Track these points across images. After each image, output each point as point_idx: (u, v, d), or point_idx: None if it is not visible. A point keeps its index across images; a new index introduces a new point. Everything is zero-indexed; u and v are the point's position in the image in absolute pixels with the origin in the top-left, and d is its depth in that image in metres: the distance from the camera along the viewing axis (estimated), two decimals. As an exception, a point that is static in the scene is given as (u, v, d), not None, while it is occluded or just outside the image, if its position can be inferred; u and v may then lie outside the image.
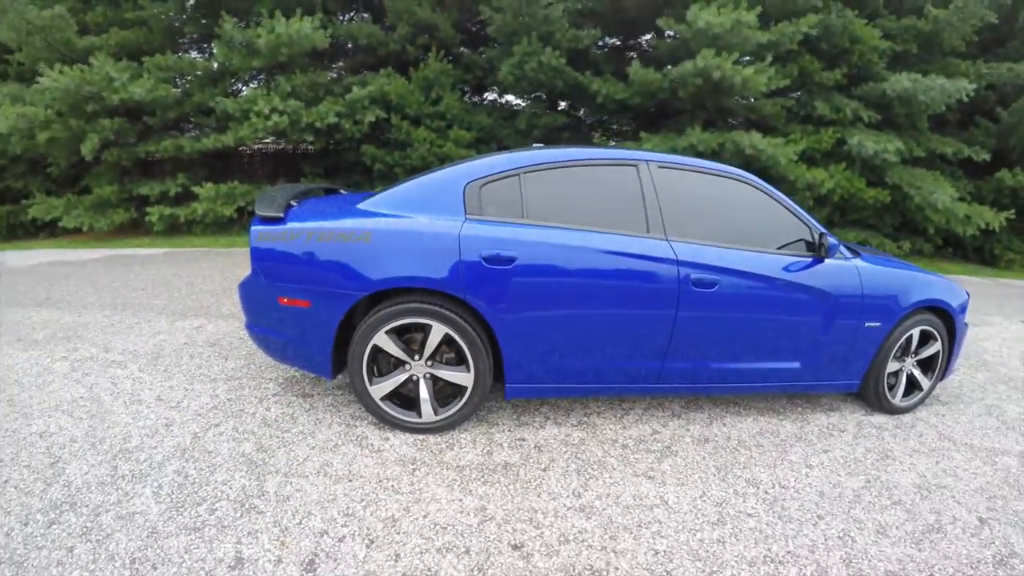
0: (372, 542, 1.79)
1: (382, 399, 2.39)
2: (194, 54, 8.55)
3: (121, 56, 7.12)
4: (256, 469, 2.16)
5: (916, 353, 3.06)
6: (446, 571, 1.67)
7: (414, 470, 2.18)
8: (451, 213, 2.29)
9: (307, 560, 1.70)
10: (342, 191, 3.28)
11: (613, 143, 7.24)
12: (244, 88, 8.37)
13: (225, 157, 8.11)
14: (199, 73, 7.34)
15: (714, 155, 7.16)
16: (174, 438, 2.38)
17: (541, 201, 2.34)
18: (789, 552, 1.92)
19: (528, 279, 2.24)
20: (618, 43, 8.81)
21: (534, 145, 2.93)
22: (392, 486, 2.08)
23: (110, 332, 3.73)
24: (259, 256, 2.37)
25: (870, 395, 3.04)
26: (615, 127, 8.88)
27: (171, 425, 2.49)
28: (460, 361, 2.35)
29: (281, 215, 2.38)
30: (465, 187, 2.33)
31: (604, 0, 7.11)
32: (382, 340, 2.29)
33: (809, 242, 2.69)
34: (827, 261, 2.69)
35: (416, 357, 2.34)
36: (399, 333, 2.33)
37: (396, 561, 1.71)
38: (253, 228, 2.40)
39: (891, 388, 3.07)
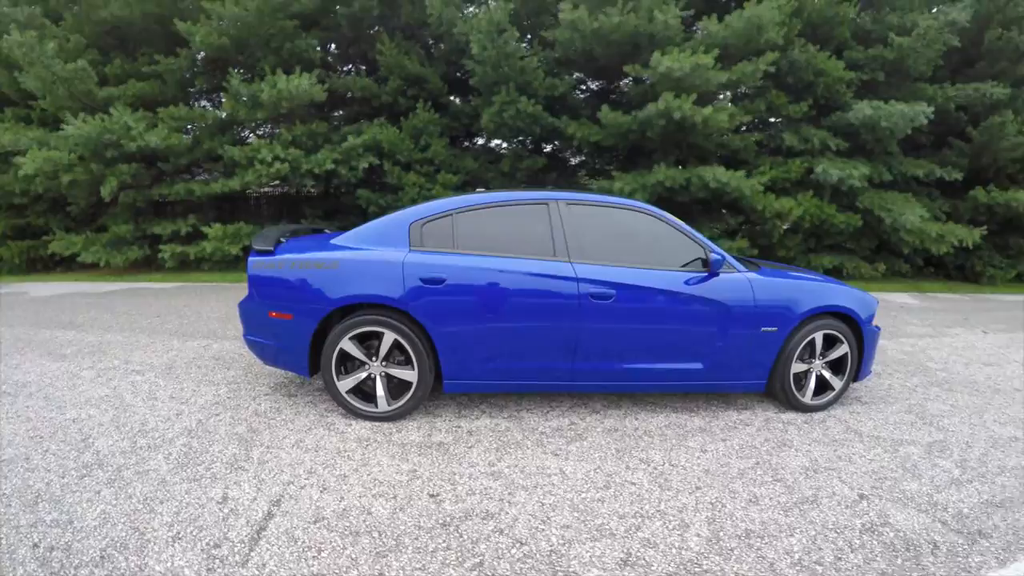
0: (325, 489, 2.45)
1: (347, 392, 3.08)
2: (205, 103, 9.67)
3: (137, 106, 8.11)
4: (245, 443, 2.86)
5: (824, 355, 3.46)
6: (376, 509, 2.31)
7: (367, 445, 2.85)
8: (399, 246, 3.03)
9: (275, 499, 2.37)
10: (326, 231, 4.08)
11: (594, 181, 8.03)
12: (251, 136, 9.40)
13: (233, 200, 9.05)
14: (208, 123, 8.35)
15: (683, 189, 7.93)
16: (183, 423, 3.09)
17: (469, 235, 3.06)
18: (658, 511, 2.38)
19: (455, 296, 2.94)
20: (597, 88, 9.76)
21: (478, 189, 3.72)
22: (347, 455, 2.74)
23: (129, 349, 4.50)
24: (254, 280, 3.13)
25: (779, 394, 3.44)
26: (596, 166, 9.74)
27: (180, 414, 3.20)
28: (408, 362, 3.04)
29: (271, 248, 3.16)
30: (410, 226, 3.07)
31: (578, 50, 8.04)
32: (347, 345, 3.00)
33: (704, 259, 3.20)
34: (722, 275, 3.21)
35: (374, 359, 3.04)
36: (361, 340, 3.03)
37: (340, 501, 2.36)
38: (250, 259, 3.17)
39: (801, 387, 3.47)
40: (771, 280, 3.36)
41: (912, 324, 6.44)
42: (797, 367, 3.42)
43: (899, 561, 2.16)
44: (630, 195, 7.67)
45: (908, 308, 7.57)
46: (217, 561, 1.96)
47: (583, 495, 2.49)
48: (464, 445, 2.91)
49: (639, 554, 2.11)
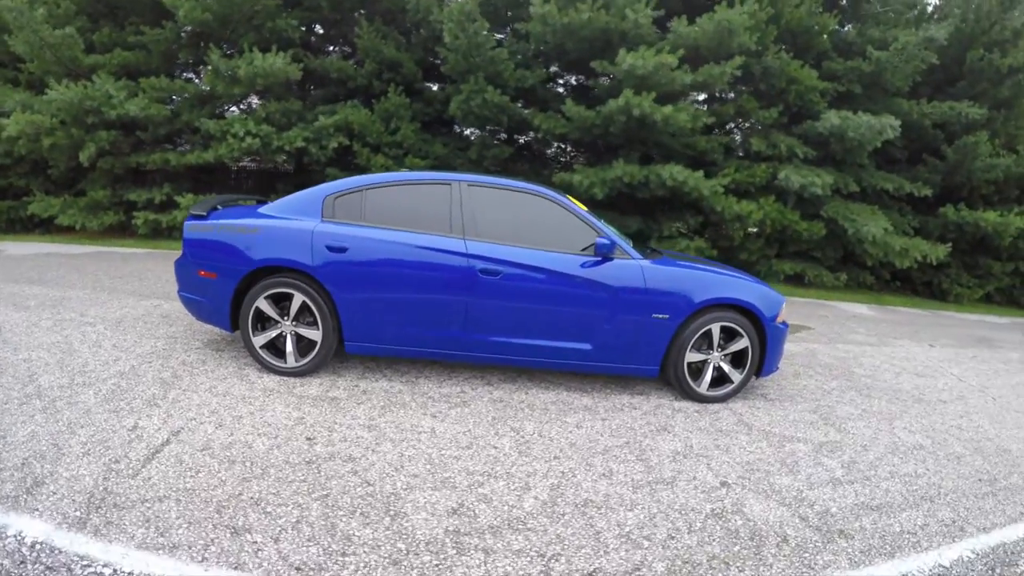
0: (220, 426, 2.93)
1: (261, 348, 3.58)
2: (192, 76, 10.16)
3: (122, 75, 8.57)
4: (166, 386, 3.37)
5: (723, 348, 3.67)
6: (256, 445, 2.77)
7: (269, 395, 3.35)
8: (312, 216, 3.52)
9: (176, 430, 2.85)
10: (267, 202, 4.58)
11: (557, 174, 8.48)
12: (235, 110, 9.91)
13: (211, 172, 9.54)
14: (189, 95, 8.85)
15: (642, 186, 8.40)
16: (118, 367, 3.60)
17: (377, 210, 3.53)
18: (507, 473, 2.65)
19: (356, 264, 3.41)
20: (576, 83, 10.19)
21: (402, 169, 4.20)
22: (250, 402, 3.24)
23: (87, 304, 5.02)
24: (187, 242, 3.64)
25: (673, 381, 3.69)
26: (568, 159, 10.21)
27: (118, 360, 3.71)
28: (315, 323, 3.53)
29: (204, 214, 3.67)
30: (324, 199, 3.56)
31: (551, 44, 8.48)
32: (262, 304, 3.49)
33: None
34: (615, 260, 3.48)
35: (286, 318, 3.56)
36: (276, 300, 3.52)
37: (229, 436, 2.84)
38: (186, 222, 3.68)
39: (697, 377, 3.68)
40: (664, 268, 3.60)
41: (858, 333, 6.74)
42: (693, 357, 3.64)
43: (735, 548, 2.27)
44: (588, 188, 8.14)
45: (861, 318, 7.92)
46: (113, 472, 2.45)
47: (443, 452, 2.83)
48: (355, 401, 3.38)
49: (471, 506, 2.39)
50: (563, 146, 10.61)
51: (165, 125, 8.62)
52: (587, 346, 3.55)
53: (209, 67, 8.23)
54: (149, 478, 2.43)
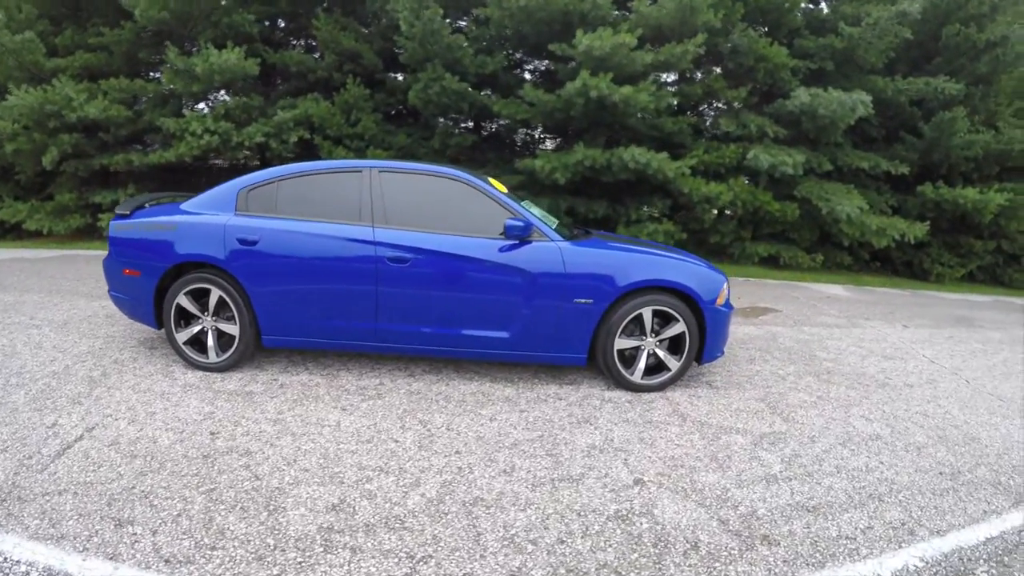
0: (133, 422, 3.15)
1: (184, 344, 3.81)
2: (156, 75, 10.39)
3: (84, 78, 8.84)
4: (93, 384, 3.61)
5: (658, 333, 3.58)
6: (161, 440, 2.96)
7: (188, 390, 3.56)
8: (227, 210, 3.70)
9: (91, 427, 3.08)
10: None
11: (520, 160, 8.64)
12: (201, 107, 10.13)
13: (176, 171, 9.76)
14: (150, 95, 9.08)
15: (605, 169, 8.53)
16: (52, 367, 3.83)
17: (290, 201, 3.67)
18: (400, 467, 2.65)
19: (267, 257, 3.57)
20: (544, 68, 10.30)
21: (330, 160, 4.34)
22: (167, 397, 3.46)
23: (38, 307, 5.28)
24: (112, 241, 3.87)
25: (603, 370, 3.63)
26: (533, 146, 10.36)
27: (54, 360, 3.95)
28: (233, 318, 3.73)
29: (128, 212, 3.89)
30: (238, 192, 3.74)
31: (509, 28, 8.60)
32: (183, 300, 3.70)
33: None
34: (534, 243, 3.43)
35: (205, 314, 3.79)
36: (196, 296, 3.73)
37: (139, 431, 3.05)
38: (111, 222, 3.91)
39: (629, 365, 3.60)
40: (585, 250, 3.53)
41: (828, 315, 6.65)
42: (624, 343, 3.57)
43: (633, 556, 2.13)
44: (550, 173, 8.29)
45: (834, 298, 7.93)
46: (24, 467, 2.68)
47: (341, 446, 2.86)
48: (268, 396, 3.50)
49: (352, 502, 2.39)
50: (531, 133, 10.74)
51: (127, 126, 8.86)
52: (505, 334, 3.54)
53: (168, 65, 8.44)
54: (55, 473, 2.65)
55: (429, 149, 9.19)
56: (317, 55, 9.85)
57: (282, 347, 3.93)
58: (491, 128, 10.52)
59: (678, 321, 3.53)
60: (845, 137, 9.76)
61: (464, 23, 9.77)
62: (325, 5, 9.55)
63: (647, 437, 3.05)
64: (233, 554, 2.12)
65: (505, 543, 2.17)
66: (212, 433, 3.06)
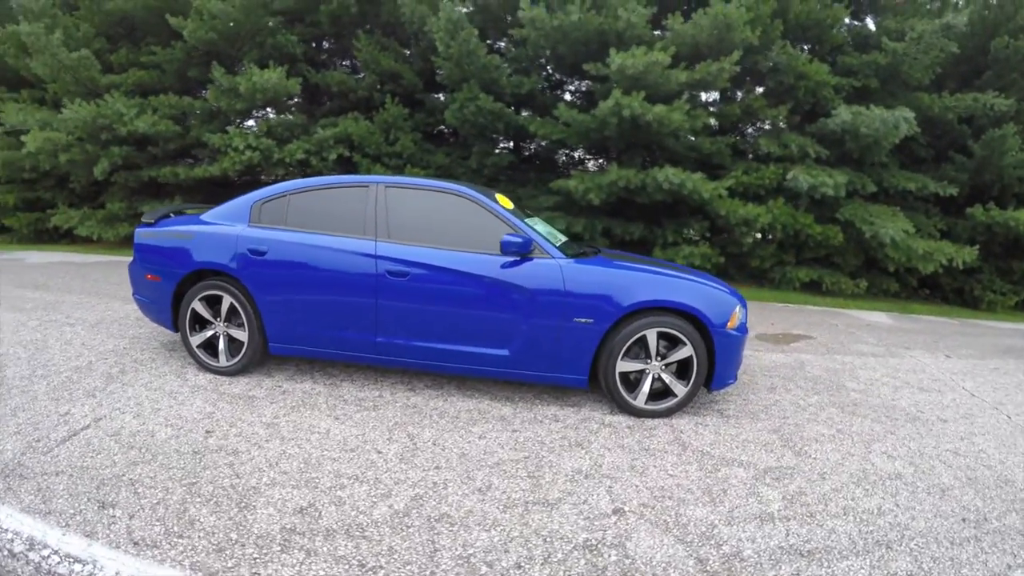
0: (138, 416, 3.31)
1: (198, 347, 3.98)
2: (204, 93, 11.02)
3: (136, 94, 9.45)
4: (110, 380, 3.81)
5: (664, 357, 3.43)
6: (159, 434, 3.11)
7: (196, 391, 3.72)
8: (241, 221, 3.89)
9: (98, 418, 3.25)
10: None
11: (554, 181, 8.69)
12: (252, 124, 10.66)
13: (222, 185, 10.27)
14: (198, 111, 9.62)
15: (640, 190, 8.48)
16: (76, 362, 4.07)
17: (299, 214, 3.83)
18: (376, 478, 2.65)
19: (275, 267, 3.73)
20: (585, 88, 10.38)
21: (338, 175, 4.48)
22: (174, 396, 3.61)
23: (76, 307, 5.61)
24: (137, 247, 4.10)
25: (605, 393, 3.51)
26: (573, 166, 10.40)
27: (80, 356, 4.20)
28: (243, 324, 3.87)
29: (153, 221, 4.12)
30: (252, 205, 3.93)
31: (545, 48, 8.74)
32: (197, 306, 3.89)
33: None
34: (534, 260, 3.40)
35: (218, 319, 3.95)
36: (210, 302, 3.92)
37: (141, 425, 3.21)
38: (136, 229, 4.15)
39: (633, 389, 3.46)
40: (587, 268, 3.45)
41: (865, 343, 6.34)
42: (628, 366, 3.44)
43: None
44: (584, 194, 8.30)
45: (875, 326, 7.52)
46: (31, 449, 2.86)
47: (324, 453, 2.90)
48: (269, 400, 3.56)
49: (320, 507, 2.42)
50: (571, 153, 10.81)
51: (175, 140, 9.40)
52: (504, 352, 3.48)
53: (214, 83, 8.94)
54: (57, 456, 2.82)
55: (467, 169, 9.37)
56: (359, 75, 10.23)
57: (287, 355, 4.05)
58: (531, 148, 10.65)
59: (685, 344, 3.38)
60: (891, 157, 9.41)
61: (502, 44, 9.97)
62: (367, 27, 9.92)
63: (639, 465, 2.92)
64: (196, 544, 2.21)
65: (460, 562, 2.12)
66: (207, 431, 3.18)
